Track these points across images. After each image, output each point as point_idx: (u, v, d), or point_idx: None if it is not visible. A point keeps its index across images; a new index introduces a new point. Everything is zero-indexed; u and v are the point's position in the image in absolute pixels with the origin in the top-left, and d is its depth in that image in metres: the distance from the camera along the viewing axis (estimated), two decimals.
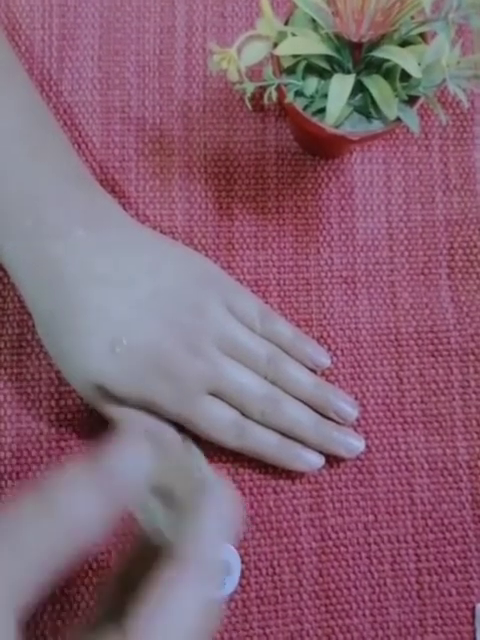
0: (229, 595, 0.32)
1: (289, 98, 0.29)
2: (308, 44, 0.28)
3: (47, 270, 0.30)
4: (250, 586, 0.33)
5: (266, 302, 0.35)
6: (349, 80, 0.28)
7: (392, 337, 0.36)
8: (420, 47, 0.28)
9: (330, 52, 0.28)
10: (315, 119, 0.29)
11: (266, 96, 0.29)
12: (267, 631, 0.33)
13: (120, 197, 0.36)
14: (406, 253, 0.37)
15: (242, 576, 0.33)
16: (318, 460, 0.33)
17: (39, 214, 0.30)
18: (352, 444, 0.33)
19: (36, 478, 0.33)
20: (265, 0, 0.27)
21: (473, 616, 0.34)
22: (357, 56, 0.29)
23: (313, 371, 0.34)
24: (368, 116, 0.30)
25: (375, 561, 0.34)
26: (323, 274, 0.36)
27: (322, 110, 0.29)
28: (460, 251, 0.37)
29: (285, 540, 0.34)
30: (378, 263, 0.37)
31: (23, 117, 0.31)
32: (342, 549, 0.34)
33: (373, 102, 0.29)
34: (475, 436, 0.35)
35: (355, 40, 0.27)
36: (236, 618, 0.33)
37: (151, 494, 0.22)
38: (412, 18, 0.28)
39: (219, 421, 0.32)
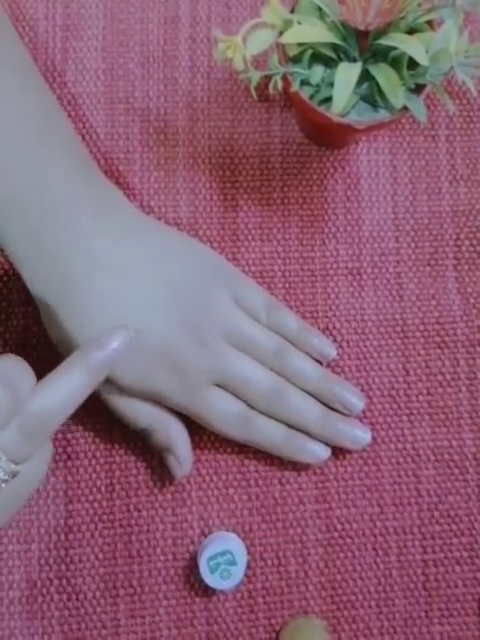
0: (235, 586, 0.32)
1: (295, 87, 0.29)
2: (314, 32, 0.28)
3: (52, 260, 0.30)
4: (256, 577, 0.33)
5: (271, 294, 0.35)
6: (355, 68, 0.27)
7: (398, 328, 0.36)
8: (427, 35, 0.28)
9: (336, 40, 0.28)
10: (321, 108, 0.29)
11: (272, 85, 0.29)
12: (273, 622, 0.33)
13: (125, 188, 0.36)
14: (412, 244, 0.37)
15: (248, 567, 0.33)
16: (324, 452, 0.33)
17: (44, 203, 0.30)
18: (358, 436, 0.33)
19: None
20: None
21: (479, 608, 0.34)
22: (364, 44, 0.28)
23: (319, 362, 0.34)
24: (374, 105, 0.29)
25: (381, 552, 0.34)
26: (329, 265, 0.36)
27: (328, 99, 0.29)
28: (467, 242, 0.37)
29: (291, 531, 0.34)
30: (384, 254, 0.36)
31: (28, 102, 0.31)
32: (348, 540, 0.34)
33: (379, 91, 0.29)
34: None
35: (362, 28, 0.27)
36: (242, 609, 0.33)
37: None
38: (419, 5, 0.27)
39: (225, 413, 0.32)
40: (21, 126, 0.30)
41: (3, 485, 0.24)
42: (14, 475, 0.24)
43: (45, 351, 0.34)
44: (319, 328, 0.35)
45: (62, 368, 0.26)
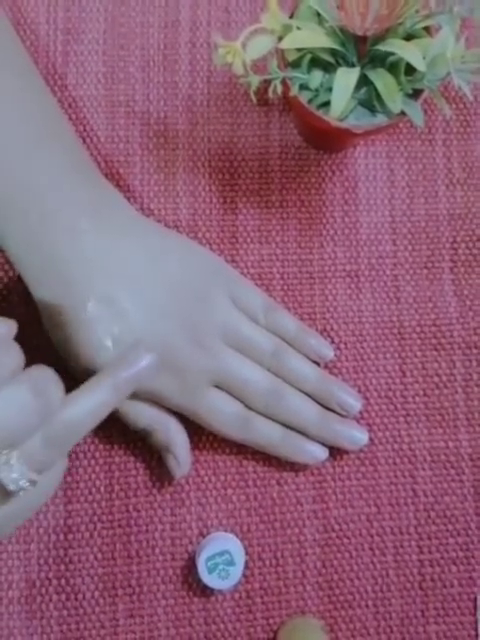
0: (233, 586, 0.33)
1: (294, 91, 0.29)
2: (313, 38, 0.28)
3: (51, 261, 0.30)
4: (254, 577, 0.34)
5: (270, 296, 0.36)
6: (354, 73, 0.28)
7: (395, 330, 0.36)
8: (425, 40, 0.28)
9: (335, 46, 0.28)
10: (320, 112, 0.29)
11: (271, 89, 0.29)
12: (271, 621, 0.33)
13: (125, 191, 0.36)
14: (409, 247, 0.37)
15: (246, 567, 0.33)
16: (321, 452, 0.33)
17: (44, 205, 0.30)
18: (355, 436, 0.34)
19: None
20: None
21: (475, 607, 0.34)
22: (362, 50, 0.29)
23: (317, 364, 0.34)
24: (372, 110, 0.30)
25: (378, 552, 0.34)
26: (326, 268, 0.36)
27: (326, 103, 0.29)
28: (463, 245, 0.37)
29: (289, 531, 0.34)
30: (381, 257, 0.37)
31: (29, 104, 0.31)
32: (345, 540, 0.34)
33: (377, 95, 0.29)
34: (478, 429, 0.35)
35: (360, 34, 0.28)
36: (240, 609, 0.33)
37: None
38: (417, 12, 0.28)
39: (223, 413, 0.32)
40: (21, 128, 0.30)
41: (21, 493, 0.24)
42: (33, 484, 0.24)
43: (45, 352, 0.34)
44: (317, 330, 0.36)
45: (91, 383, 0.26)
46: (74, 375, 0.31)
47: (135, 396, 0.31)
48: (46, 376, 0.25)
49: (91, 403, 0.26)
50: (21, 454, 0.23)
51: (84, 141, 0.36)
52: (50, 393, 0.24)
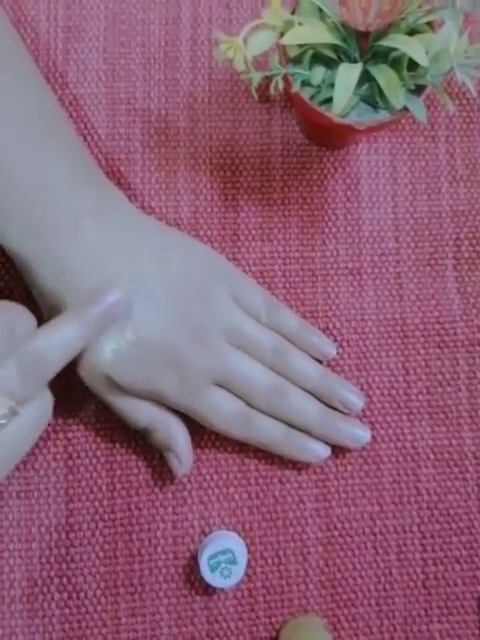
0: (235, 584, 0.33)
1: (296, 88, 0.29)
2: (315, 33, 0.28)
3: (53, 260, 0.30)
4: (256, 576, 0.33)
5: (272, 293, 0.35)
6: (356, 69, 0.28)
7: (398, 328, 0.36)
8: (428, 36, 0.28)
9: (337, 41, 0.28)
10: (322, 109, 0.29)
11: (273, 86, 0.29)
12: (273, 620, 0.33)
13: (126, 189, 0.36)
14: (412, 244, 0.37)
15: (248, 566, 0.33)
16: (324, 450, 0.33)
17: (46, 204, 0.30)
18: (358, 434, 0.34)
19: (46, 464, 0.34)
20: None
21: (479, 606, 0.34)
22: (364, 45, 0.28)
23: (319, 361, 0.34)
24: (375, 106, 0.30)
25: (381, 551, 0.34)
26: (329, 265, 0.36)
27: (329, 100, 0.29)
28: (466, 242, 0.37)
29: (291, 530, 0.34)
30: (384, 254, 0.37)
31: (29, 102, 0.31)
32: (348, 539, 0.34)
33: (380, 91, 0.29)
34: None
35: (362, 29, 0.27)
36: (242, 608, 0.33)
37: None
38: (419, 6, 0.28)
39: (225, 412, 0.32)
40: (22, 127, 0.30)
41: (3, 421, 0.25)
42: (14, 413, 0.25)
43: None
44: (319, 328, 0.35)
45: (60, 318, 0.28)
46: (77, 372, 0.31)
47: (136, 395, 0.31)
48: (11, 306, 0.28)
49: (62, 336, 0.28)
50: None
51: (85, 139, 0.36)
52: (15, 321, 0.27)
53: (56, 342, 0.27)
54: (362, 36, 0.28)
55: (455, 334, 0.36)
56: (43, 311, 0.31)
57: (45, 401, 0.28)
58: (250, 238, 0.36)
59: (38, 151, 0.30)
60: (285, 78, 0.29)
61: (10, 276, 0.35)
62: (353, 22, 0.27)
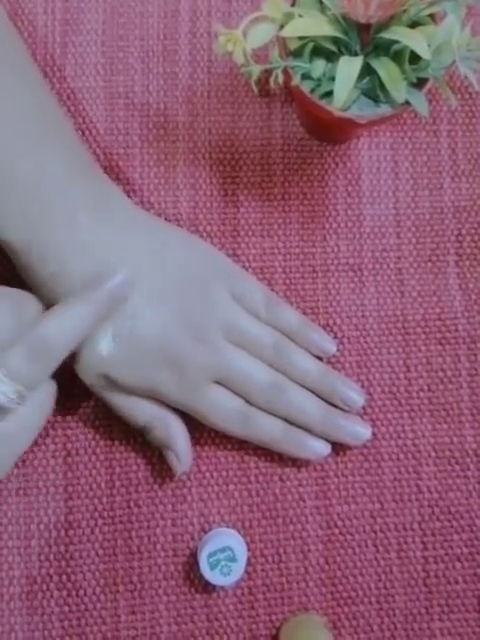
0: (235, 582, 0.32)
1: (296, 81, 0.29)
2: (315, 26, 0.28)
3: (50, 256, 0.30)
4: (256, 573, 0.33)
5: (272, 290, 0.35)
6: (357, 62, 0.27)
7: (399, 325, 0.36)
8: (429, 28, 0.28)
9: (338, 34, 0.28)
10: (322, 102, 0.29)
11: (272, 79, 0.29)
12: (273, 618, 0.33)
13: (124, 184, 0.36)
14: (414, 240, 0.37)
15: (248, 563, 0.33)
16: (324, 448, 0.33)
17: (43, 200, 0.29)
18: (358, 432, 0.33)
19: (45, 462, 0.33)
20: None
21: None
22: (365, 38, 0.28)
23: (319, 358, 0.34)
24: (376, 99, 0.29)
25: (381, 549, 0.34)
26: (329, 261, 0.36)
27: (329, 93, 0.29)
28: (468, 238, 0.37)
29: (291, 528, 0.34)
30: (385, 250, 0.36)
31: (26, 98, 0.31)
32: (348, 537, 0.34)
33: (381, 85, 0.28)
34: None
35: (363, 21, 0.27)
36: (242, 605, 0.33)
37: None
38: None
39: (224, 410, 0.32)
40: (19, 123, 0.30)
41: (12, 406, 0.25)
42: (22, 398, 0.25)
43: None
44: (320, 324, 0.35)
45: (68, 301, 0.28)
46: (76, 371, 0.31)
47: (134, 393, 0.31)
48: (19, 292, 0.28)
49: (70, 319, 0.28)
50: (7, 369, 0.25)
51: (83, 133, 0.36)
52: (23, 304, 0.27)
53: (64, 325, 0.27)
54: (363, 28, 0.28)
55: (457, 331, 0.36)
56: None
57: (50, 387, 0.28)
58: (250, 234, 0.36)
59: (35, 147, 0.30)
60: (285, 71, 0.29)
61: (8, 272, 0.35)
62: (354, 14, 0.27)
